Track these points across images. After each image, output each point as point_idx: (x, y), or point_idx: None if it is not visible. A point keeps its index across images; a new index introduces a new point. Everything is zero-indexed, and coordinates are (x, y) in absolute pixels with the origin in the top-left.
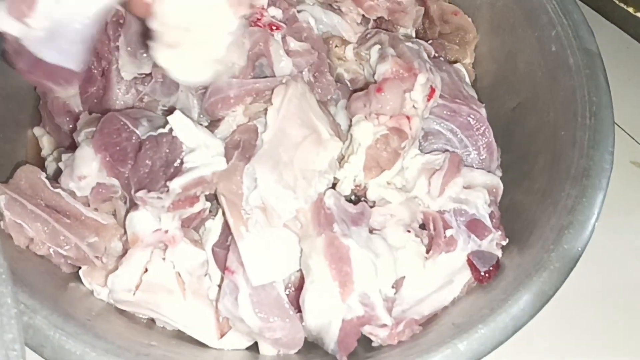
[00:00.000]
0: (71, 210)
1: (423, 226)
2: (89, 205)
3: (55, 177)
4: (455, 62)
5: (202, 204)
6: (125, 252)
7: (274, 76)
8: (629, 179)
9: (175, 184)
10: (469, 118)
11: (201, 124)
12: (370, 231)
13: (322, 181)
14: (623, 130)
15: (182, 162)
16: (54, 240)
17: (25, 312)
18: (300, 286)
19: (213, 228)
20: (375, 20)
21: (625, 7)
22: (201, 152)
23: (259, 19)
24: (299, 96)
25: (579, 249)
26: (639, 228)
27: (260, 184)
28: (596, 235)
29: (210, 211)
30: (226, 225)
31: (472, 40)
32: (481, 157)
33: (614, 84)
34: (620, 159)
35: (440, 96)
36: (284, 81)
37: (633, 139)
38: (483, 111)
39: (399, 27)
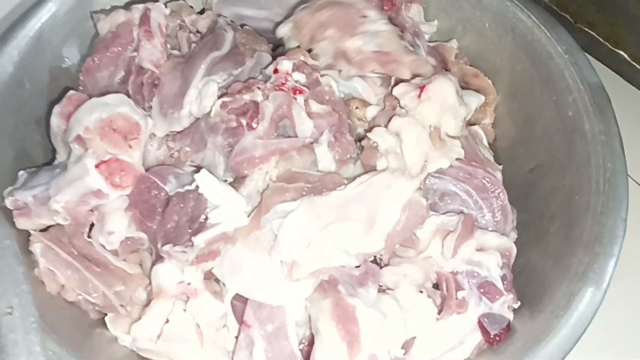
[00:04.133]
0: (101, 259)
1: (436, 286)
2: (117, 255)
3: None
4: (474, 124)
5: None
6: (149, 301)
7: (297, 136)
8: None
9: (200, 240)
10: (484, 181)
11: (226, 180)
12: (384, 291)
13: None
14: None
15: (206, 218)
16: (83, 287)
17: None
18: (313, 342)
19: None
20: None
21: None
22: (225, 208)
23: (283, 84)
24: None
25: (589, 316)
26: None
27: None
28: (609, 296)
29: None
30: None
31: (493, 101)
32: (496, 220)
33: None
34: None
35: (457, 158)
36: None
37: None
38: (498, 174)
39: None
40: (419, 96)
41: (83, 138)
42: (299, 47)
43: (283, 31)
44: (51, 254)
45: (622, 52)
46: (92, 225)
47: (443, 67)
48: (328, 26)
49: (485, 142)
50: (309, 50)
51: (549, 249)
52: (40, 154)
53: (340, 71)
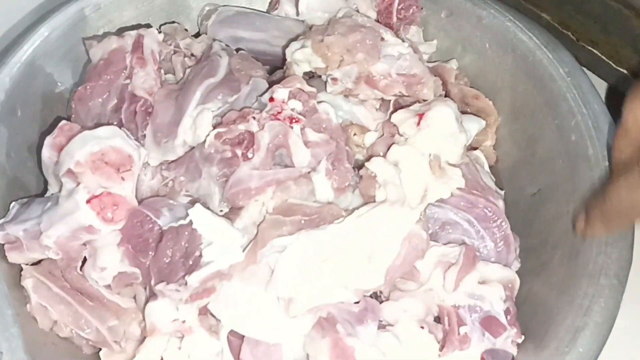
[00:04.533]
0: (94, 293)
1: (438, 319)
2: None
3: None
4: (475, 147)
5: None
6: (143, 337)
7: (293, 166)
8: None
9: (193, 279)
10: (485, 210)
11: (222, 210)
12: (384, 326)
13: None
14: None
15: (200, 255)
16: (76, 323)
17: None
18: None
19: None
20: (394, 103)
21: None
22: (219, 244)
23: (279, 112)
24: None
25: (595, 352)
26: None
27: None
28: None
29: None
30: None
31: (494, 123)
32: (498, 250)
33: None
34: None
35: (458, 187)
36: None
37: None
38: (500, 203)
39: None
40: (418, 123)
41: (74, 172)
42: (311, 72)
43: (297, 56)
44: (44, 289)
45: (624, 71)
46: (85, 258)
47: (442, 88)
48: (357, 50)
49: (486, 167)
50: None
51: (552, 279)
52: (33, 182)
53: (347, 96)
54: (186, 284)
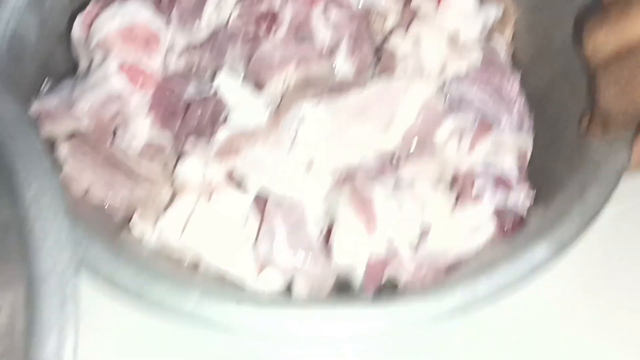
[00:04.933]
0: (125, 162)
1: (452, 184)
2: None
3: None
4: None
5: None
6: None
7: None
8: None
9: (221, 134)
10: (501, 85)
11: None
12: (400, 186)
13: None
14: None
15: (226, 118)
16: (108, 190)
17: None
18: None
19: None
20: None
21: None
22: (244, 109)
23: None
24: None
25: (603, 201)
26: None
27: None
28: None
29: None
30: None
31: (512, 15)
32: (512, 123)
33: None
34: None
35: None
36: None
37: None
38: (516, 80)
39: None
40: (439, 3)
41: (104, 45)
42: None
43: None
44: (76, 158)
45: None
46: (115, 132)
47: None
48: None
49: (504, 50)
50: None
51: (564, 151)
52: (62, 69)
53: None
54: (214, 139)
